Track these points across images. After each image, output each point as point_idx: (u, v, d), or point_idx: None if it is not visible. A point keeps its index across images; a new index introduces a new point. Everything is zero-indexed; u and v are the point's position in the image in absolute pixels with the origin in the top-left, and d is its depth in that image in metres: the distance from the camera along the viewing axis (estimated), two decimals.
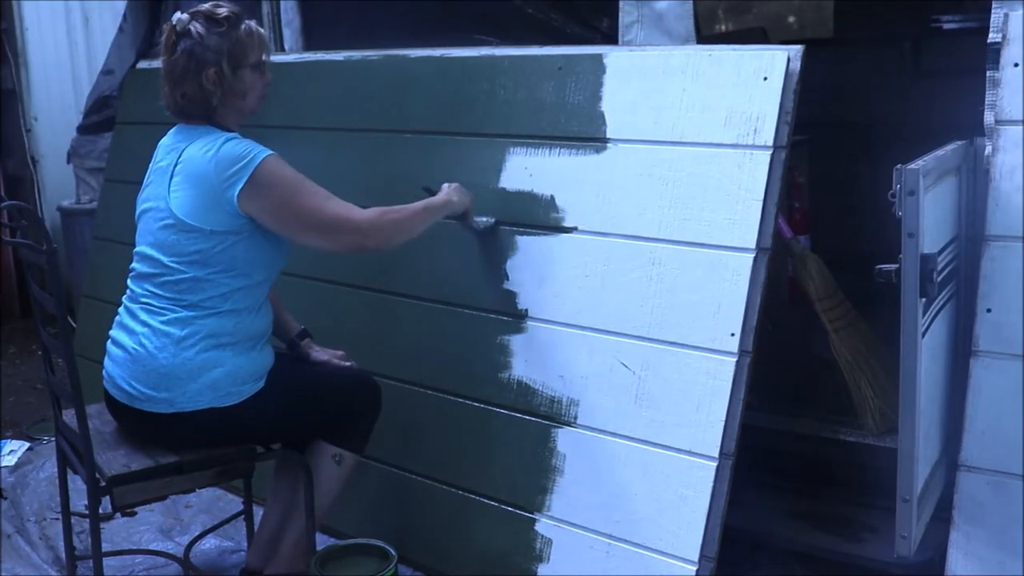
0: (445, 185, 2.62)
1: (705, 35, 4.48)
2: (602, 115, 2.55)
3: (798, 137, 2.52)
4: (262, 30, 2.48)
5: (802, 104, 2.29)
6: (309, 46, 3.73)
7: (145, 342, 2.37)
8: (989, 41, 2.31)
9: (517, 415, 2.61)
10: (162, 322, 2.37)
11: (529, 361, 2.61)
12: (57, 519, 3.07)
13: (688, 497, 2.29)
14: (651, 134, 2.46)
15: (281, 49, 3.73)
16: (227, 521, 3.05)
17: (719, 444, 2.27)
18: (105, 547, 2.65)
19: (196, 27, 2.38)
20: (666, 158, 2.42)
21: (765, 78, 2.30)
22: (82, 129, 4.76)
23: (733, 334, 2.27)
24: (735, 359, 2.27)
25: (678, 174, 2.40)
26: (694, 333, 2.33)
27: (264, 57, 2.46)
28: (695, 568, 2.27)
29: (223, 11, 2.40)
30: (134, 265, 2.47)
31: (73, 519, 2.76)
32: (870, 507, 2.77)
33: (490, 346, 2.67)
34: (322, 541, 2.64)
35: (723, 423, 2.26)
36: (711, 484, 2.26)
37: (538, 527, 2.54)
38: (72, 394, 2.33)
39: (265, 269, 2.44)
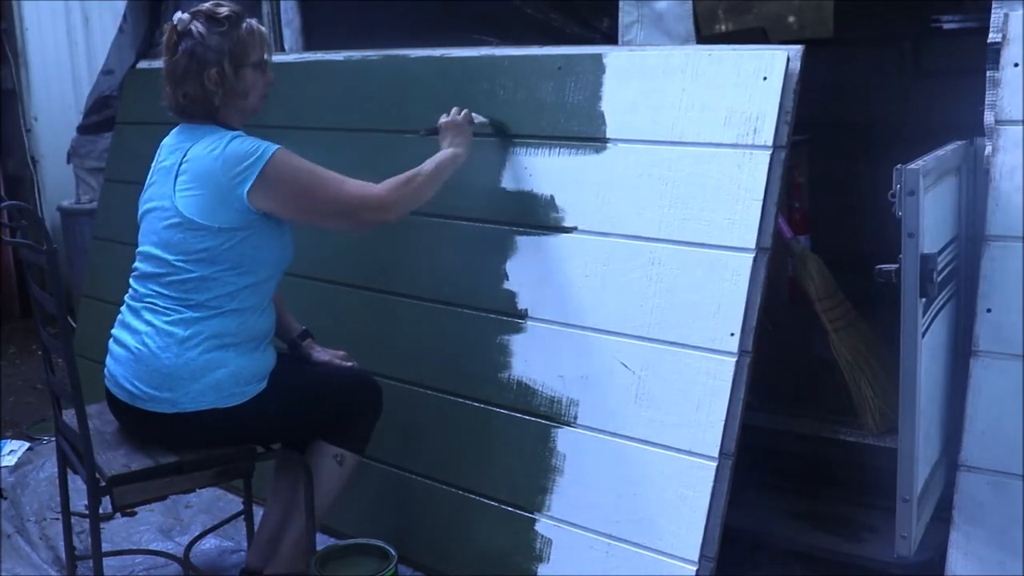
0: (443, 120, 2.62)
1: (705, 35, 4.48)
2: (602, 115, 2.55)
3: (798, 137, 2.52)
4: (263, 29, 2.48)
5: (802, 104, 2.29)
6: (309, 46, 3.73)
7: (148, 342, 2.37)
8: (989, 41, 2.31)
9: (517, 415, 2.61)
10: (166, 322, 2.37)
11: (529, 361, 2.61)
12: (57, 519, 3.07)
13: (688, 497, 2.29)
14: (651, 134, 2.46)
15: (281, 49, 3.73)
16: (227, 521, 3.05)
17: (719, 444, 2.27)
18: (105, 547, 2.65)
19: (197, 27, 2.37)
20: (666, 158, 2.42)
21: (765, 78, 2.30)
22: (82, 129, 4.76)
23: (733, 334, 2.27)
24: (735, 359, 2.27)
25: (678, 174, 2.40)
26: (694, 333, 2.33)
27: (266, 56, 2.46)
28: (695, 568, 2.27)
29: (224, 10, 2.40)
30: (137, 265, 2.47)
31: (73, 519, 2.76)
32: (870, 507, 2.77)
33: (490, 346, 2.67)
34: (322, 541, 2.64)
35: (723, 423, 2.26)
36: (711, 484, 2.26)
37: (538, 527, 2.54)
38: (72, 394, 2.33)
39: (272, 265, 2.44)
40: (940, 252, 2.23)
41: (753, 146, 2.29)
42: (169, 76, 2.42)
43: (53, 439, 2.85)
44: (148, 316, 2.39)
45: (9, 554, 3.02)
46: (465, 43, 3.01)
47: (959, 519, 2.27)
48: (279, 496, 2.64)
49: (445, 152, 2.56)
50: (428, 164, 2.51)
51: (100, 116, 4.63)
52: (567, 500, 2.50)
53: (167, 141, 2.48)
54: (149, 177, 2.49)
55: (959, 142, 2.41)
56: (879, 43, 4.49)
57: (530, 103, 2.69)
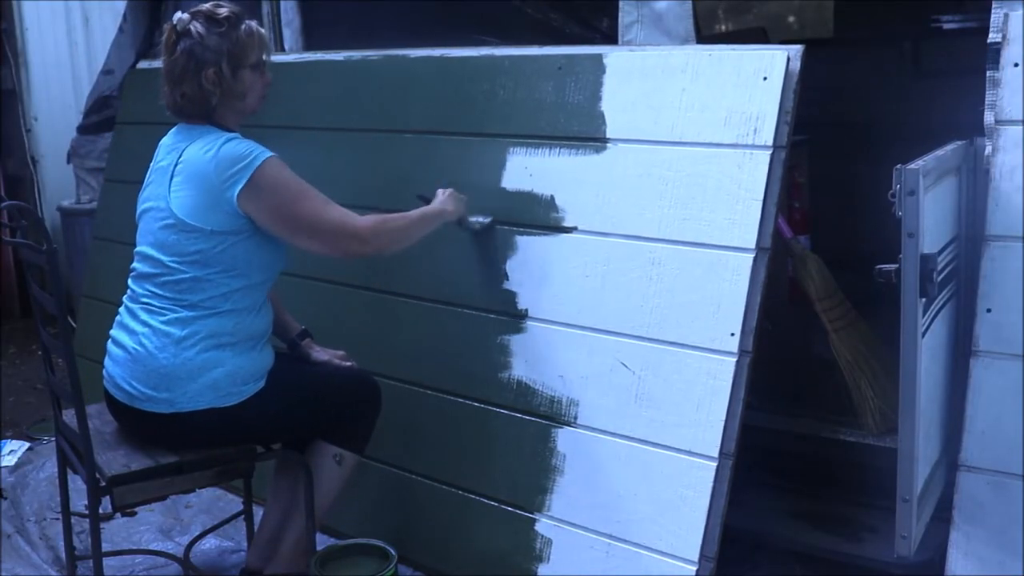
0: (439, 192, 2.63)
1: (705, 35, 4.48)
2: (602, 115, 2.55)
3: (798, 137, 2.52)
4: (263, 30, 2.48)
5: (802, 104, 2.29)
6: (309, 46, 3.73)
7: (145, 342, 2.37)
8: (989, 41, 2.31)
9: (517, 415, 2.61)
10: (162, 322, 2.37)
11: (529, 361, 2.61)
12: (57, 519, 3.07)
13: (688, 497, 2.29)
14: (651, 134, 2.46)
15: (281, 49, 3.73)
16: (227, 521, 3.05)
17: (719, 444, 2.27)
18: (105, 547, 2.65)
19: (196, 27, 2.38)
20: (666, 158, 2.42)
21: (765, 78, 2.30)
22: (82, 129, 4.76)
23: (733, 334, 2.27)
24: (735, 359, 2.27)
25: (678, 174, 2.40)
26: (694, 333, 2.33)
27: (264, 57, 2.46)
28: (695, 568, 2.27)
29: (223, 11, 2.40)
30: (135, 265, 2.47)
31: (73, 519, 2.76)
32: (870, 507, 2.77)
33: (490, 346, 2.67)
34: (322, 541, 2.64)
35: (723, 423, 2.26)
36: (711, 484, 2.26)
37: (538, 527, 2.54)
38: (72, 394, 2.33)
39: (264, 270, 2.44)
40: (940, 252, 2.23)
41: (753, 146, 2.29)
42: (168, 76, 2.42)
43: (53, 439, 2.85)
44: (145, 316, 2.39)
45: (9, 554, 3.02)
46: (465, 43, 3.01)
47: (959, 519, 2.27)
48: (279, 496, 2.64)
49: (434, 206, 2.60)
50: (414, 212, 2.54)
51: (100, 116, 4.63)
52: (567, 500, 2.50)
53: (165, 141, 2.48)
54: (147, 177, 2.49)
55: (959, 142, 2.41)
56: (879, 43, 4.49)
57: (530, 103, 2.69)
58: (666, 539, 2.32)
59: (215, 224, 2.33)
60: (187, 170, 2.35)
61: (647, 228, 2.43)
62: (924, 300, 2.10)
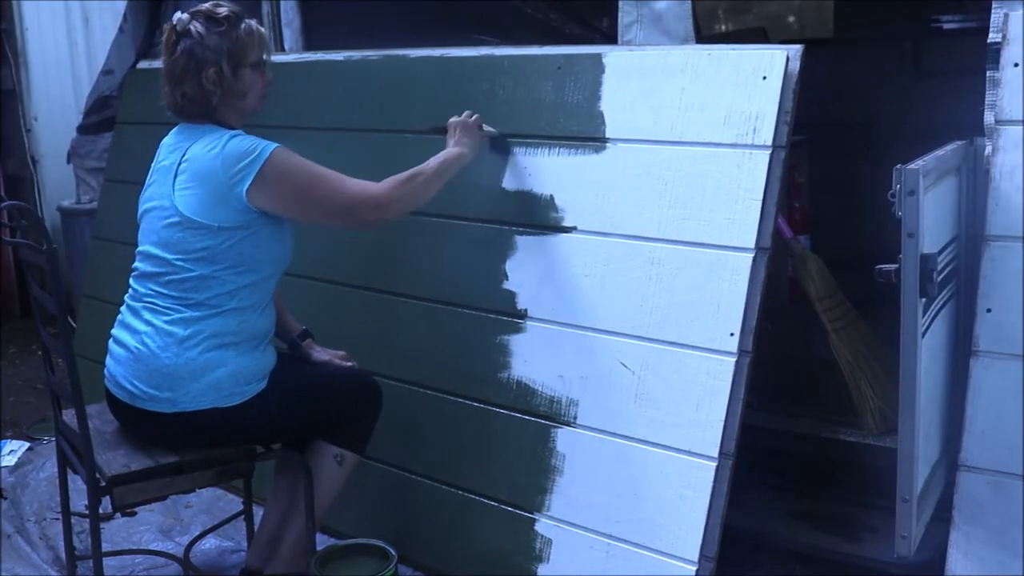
0: (451, 123, 2.61)
1: (705, 35, 4.48)
2: (601, 115, 2.55)
3: (798, 137, 2.52)
4: (263, 29, 2.48)
5: (802, 104, 2.29)
6: (309, 46, 3.73)
7: (148, 341, 2.37)
8: (989, 41, 2.30)
9: (517, 415, 2.61)
10: (166, 321, 2.37)
11: (529, 361, 2.61)
12: (57, 519, 3.07)
13: (688, 497, 2.29)
14: (650, 134, 2.46)
15: (281, 49, 3.73)
16: (227, 521, 3.05)
17: (719, 444, 2.27)
18: (105, 547, 2.65)
19: (196, 27, 2.38)
20: (665, 158, 2.42)
21: (764, 77, 2.30)
22: (82, 129, 4.76)
23: (732, 334, 2.27)
24: (735, 359, 2.27)
25: (677, 174, 2.40)
26: (693, 333, 2.33)
27: (264, 56, 2.46)
28: (695, 568, 2.27)
29: (223, 11, 2.41)
30: (137, 264, 2.47)
31: (73, 519, 2.76)
32: (870, 507, 2.77)
33: (490, 346, 2.67)
34: (322, 541, 2.64)
35: (723, 423, 2.26)
36: (711, 484, 2.26)
37: (538, 527, 2.54)
38: (72, 394, 2.33)
39: (272, 264, 2.44)
40: (940, 252, 2.23)
41: (753, 146, 2.29)
42: (168, 75, 2.42)
43: (53, 439, 2.85)
44: (148, 316, 2.39)
45: (9, 554, 3.02)
46: (465, 43, 3.01)
47: (959, 519, 2.27)
48: (279, 496, 2.64)
49: (450, 151, 2.55)
50: (431, 162, 2.50)
51: (100, 116, 4.63)
52: (567, 500, 2.50)
53: (166, 141, 2.48)
54: (149, 177, 2.49)
55: (959, 142, 2.41)
56: (879, 43, 4.49)
57: (530, 103, 2.69)
58: (666, 539, 2.32)
59: (222, 220, 2.33)
60: (192, 168, 2.36)
61: (647, 228, 2.43)
62: (924, 300, 2.10)
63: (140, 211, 2.49)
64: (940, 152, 2.28)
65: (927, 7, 4.24)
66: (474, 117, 2.63)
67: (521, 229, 2.66)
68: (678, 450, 2.32)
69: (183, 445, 2.41)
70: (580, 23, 3.78)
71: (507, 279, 2.67)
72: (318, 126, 3.21)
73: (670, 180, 2.41)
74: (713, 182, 2.34)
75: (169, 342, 2.35)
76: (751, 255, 2.27)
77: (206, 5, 2.43)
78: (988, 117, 2.31)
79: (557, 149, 2.62)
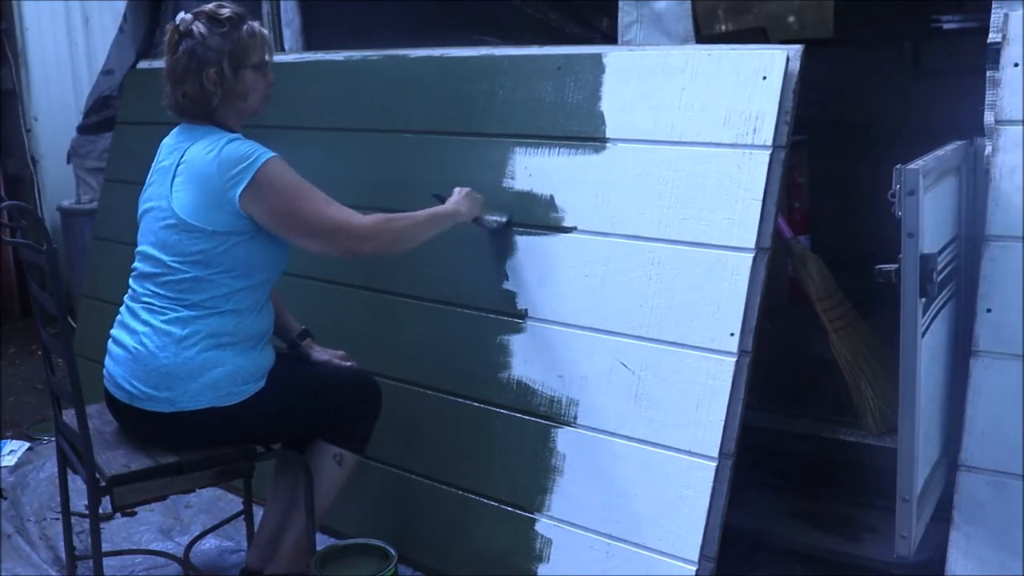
0: (456, 191, 2.62)
1: (705, 35, 4.48)
2: (601, 115, 2.55)
3: (798, 137, 2.52)
4: (265, 31, 2.48)
5: (802, 104, 2.29)
6: (309, 46, 3.73)
7: (146, 341, 2.37)
8: (989, 41, 2.30)
9: (517, 415, 2.61)
10: (163, 321, 2.37)
11: (529, 361, 2.61)
12: (57, 519, 3.07)
13: (688, 497, 2.29)
14: (650, 134, 2.46)
15: (281, 49, 3.73)
16: (227, 521, 3.05)
17: (719, 444, 2.27)
18: (105, 547, 2.65)
19: (198, 27, 2.38)
20: (665, 158, 2.42)
21: (764, 77, 2.30)
22: (82, 129, 4.76)
23: (733, 334, 2.27)
24: (735, 359, 2.27)
25: (677, 174, 2.40)
26: (694, 333, 2.33)
27: (266, 58, 2.46)
28: (695, 568, 2.27)
29: (226, 11, 2.41)
30: (136, 264, 2.47)
31: (73, 519, 2.76)
32: (870, 507, 2.77)
33: (490, 346, 2.67)
34: (322, 541, 2.64)
35: (723, 423, 2.26)
36: (711, 484, 2.26)
37: (538, 527, 2.54)
38: (72, 394, 2.33)
39: (266, 270, 2.44)
40: (940, 252, 2.23)
41: (753, 146, 2.29)
42: (169, 75, 2.42)
43: (53, 439, 2.85)
44: (146, 316, 2.39)
45: (9, 554, 3.02)
46: (465, 43, 3.01)
47: (959, 519, 2.27)
48: (279, 496, 2.64)
49: (447, 207, 2.57)
50: (423, 213, 2.51)
51: (100, 116, 4.63)
52: (567, 500, 2.50)
53: (167, 141, 2.48)
54: (149, 177, 2.49)
55: (959, 142, 2.41)
56: (879, 43, 4.49)
57: (530, 103, 2.69)
58: (666, 539, 2.32)
59: (217, 224, 2.33)
60: (189, 170, 2.36)
61: (647, 228, 2.43)
62: (924, 300, 2.10)
63: (140, 211, 2.49)
64: (940, 152, 2.28)
65: (927, 7, 4.24)
66: (481, 198, 2.63)
67: (521, 229, 2.66)
68: (678, 450, 2.32)
69: (182, 445, 2.41)
70: (580, 23, 3.78)
71: (507, 279, 2.67)
72: (318, 126, 3.21)
73: (670, 180, 2.41)
74: (713, 182, 2.34)
75: (167, 342, 2.35)
76: (751, 255, 2.27)
77: (209, 6, 2.43)
78: (988, 117, 2.31)
79: (557, 149, 2.62)
